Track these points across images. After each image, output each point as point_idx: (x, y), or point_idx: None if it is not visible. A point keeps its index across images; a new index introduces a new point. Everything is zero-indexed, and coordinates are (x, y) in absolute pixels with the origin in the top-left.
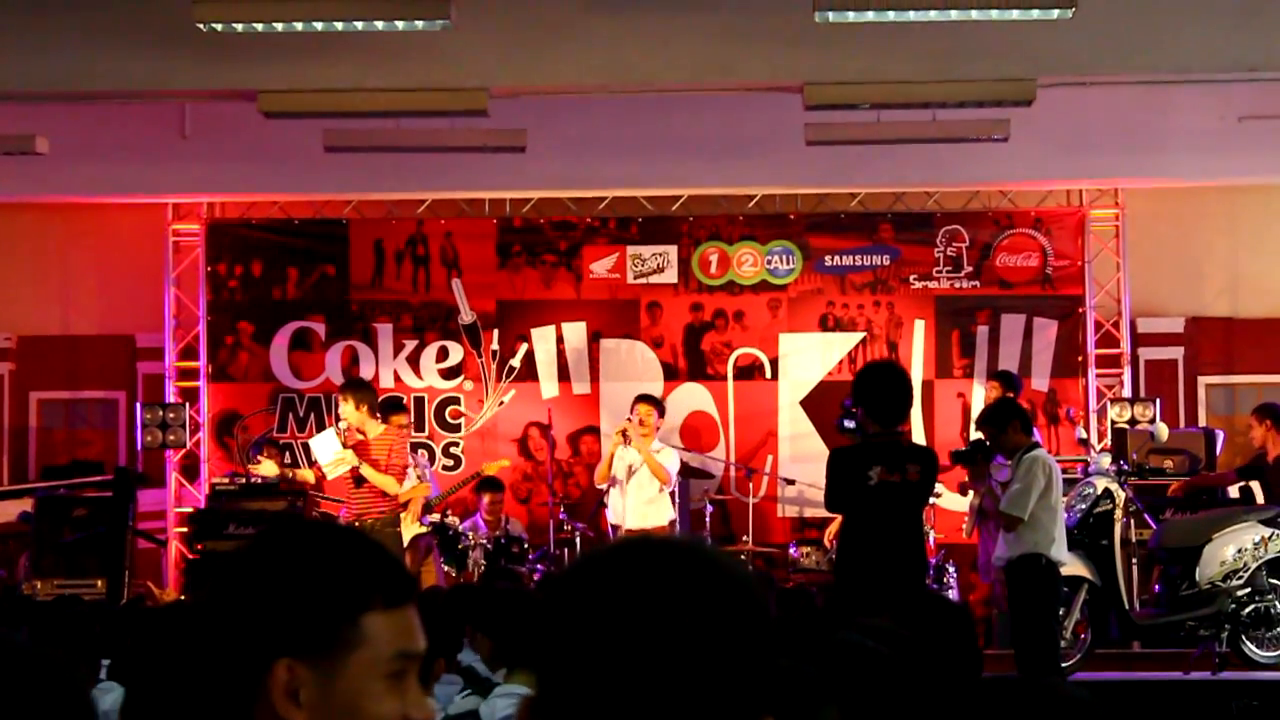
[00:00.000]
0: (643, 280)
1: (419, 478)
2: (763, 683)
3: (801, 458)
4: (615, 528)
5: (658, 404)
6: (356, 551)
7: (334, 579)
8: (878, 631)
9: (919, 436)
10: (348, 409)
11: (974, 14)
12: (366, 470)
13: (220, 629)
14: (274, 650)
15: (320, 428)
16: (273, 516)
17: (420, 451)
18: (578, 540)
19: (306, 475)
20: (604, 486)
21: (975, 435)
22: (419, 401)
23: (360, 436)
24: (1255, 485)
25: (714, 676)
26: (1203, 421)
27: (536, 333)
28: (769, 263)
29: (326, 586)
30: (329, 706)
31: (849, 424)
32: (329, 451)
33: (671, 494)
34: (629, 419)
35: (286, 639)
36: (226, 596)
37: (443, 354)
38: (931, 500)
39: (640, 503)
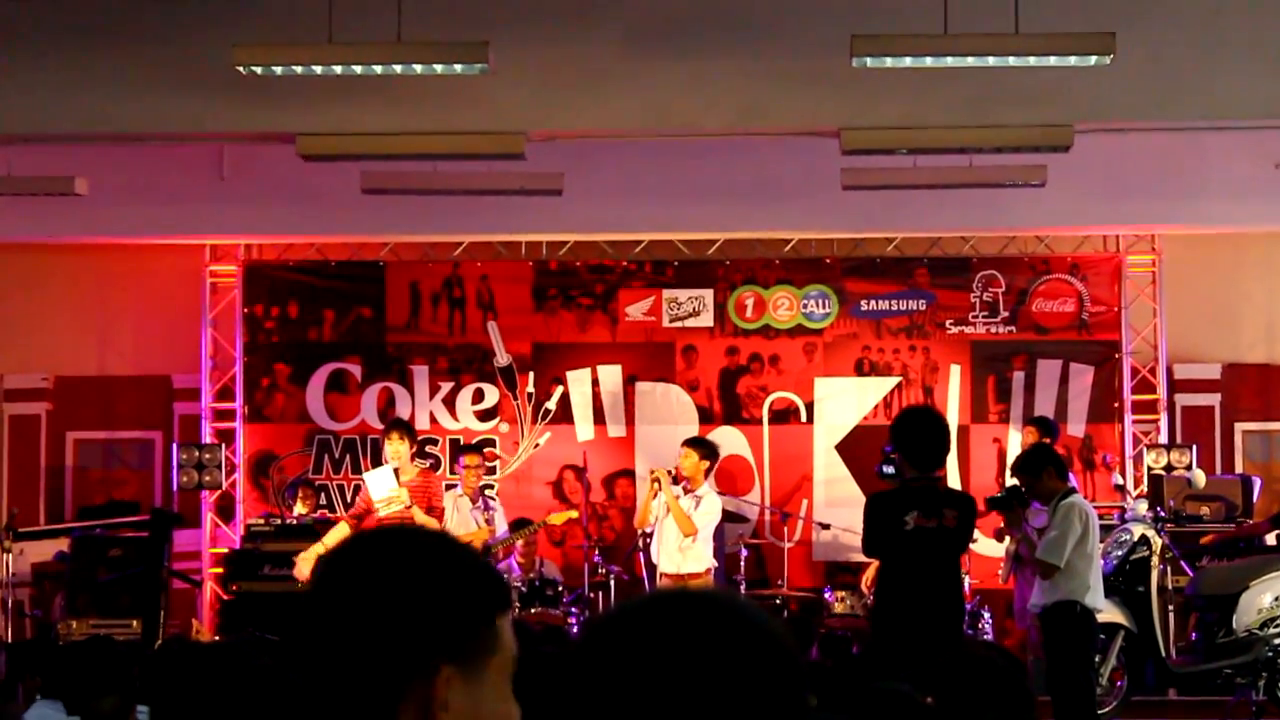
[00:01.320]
0: (678, 323)
1: (488, 521)
2: None
3: (837, 502)
4: (653, 568)
5: (699, 446)
6: (473, 556)
7: (474, 583)
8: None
9: (954, 481)
10: (404, 446)
11: (1011, 60)
12: (416, 513)
13: (371, 638)
14: (434, 656)
15: (356, 470)
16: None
17: (491, 496)
18: (612, 583)
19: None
20: (645, 530)
21: (1011, 481)
22: (454, 444)
23: (405, 478)
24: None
25: None
26: (1239, 468)
27: (572, 375)
28: (805, 307)
29: (471, 590)
30: (474, 710)
31: (888, 469)
32: (384, 487)
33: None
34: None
35: (444, 644)
36: (377, 605)
37: (478, 396)
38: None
39: (672, 549)
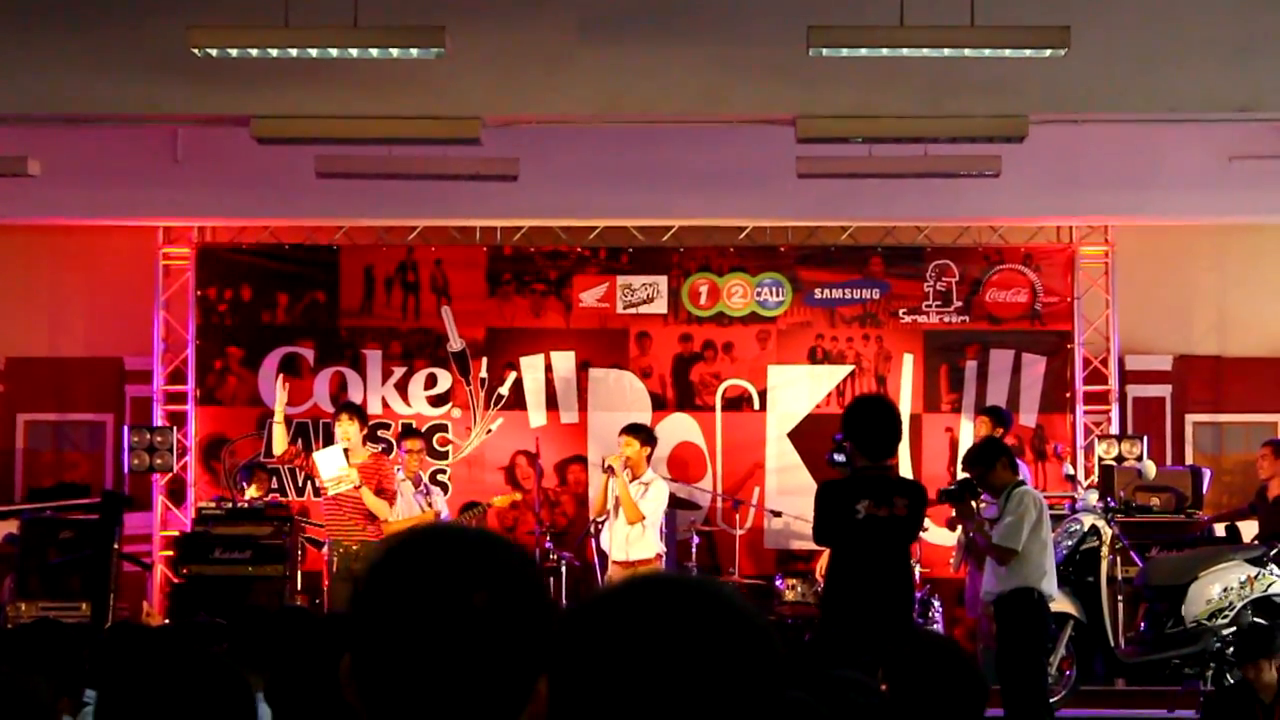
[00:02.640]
0: (632, 310)
1: (429, 505)
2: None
3: (789, 490)
4: (604, 555)
5: (638, 433)
6: None
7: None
8: (853, 684)
9: (906, 470)
10: (354, 428)
11: (967, 51)
12: (365, 493)
13: (512, 643)
14: (541, 666)
15: (308, 453)
16: (263, 541)
17: (432, 483)
18: (564, 569)
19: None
20: (599, 519)
21: (962, 474)
22: (406, 428)
23: (355, 460)
24: (1242, 524)
25: (729, 713)
26: (1190, 459)
27: (525, 361)
28: (759, 294)
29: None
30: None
31: (839, 458)
32: (334, 467)
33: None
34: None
35: (548, 653)
36: (516, 611)
37: (431, 381)
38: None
39: (621, 537)
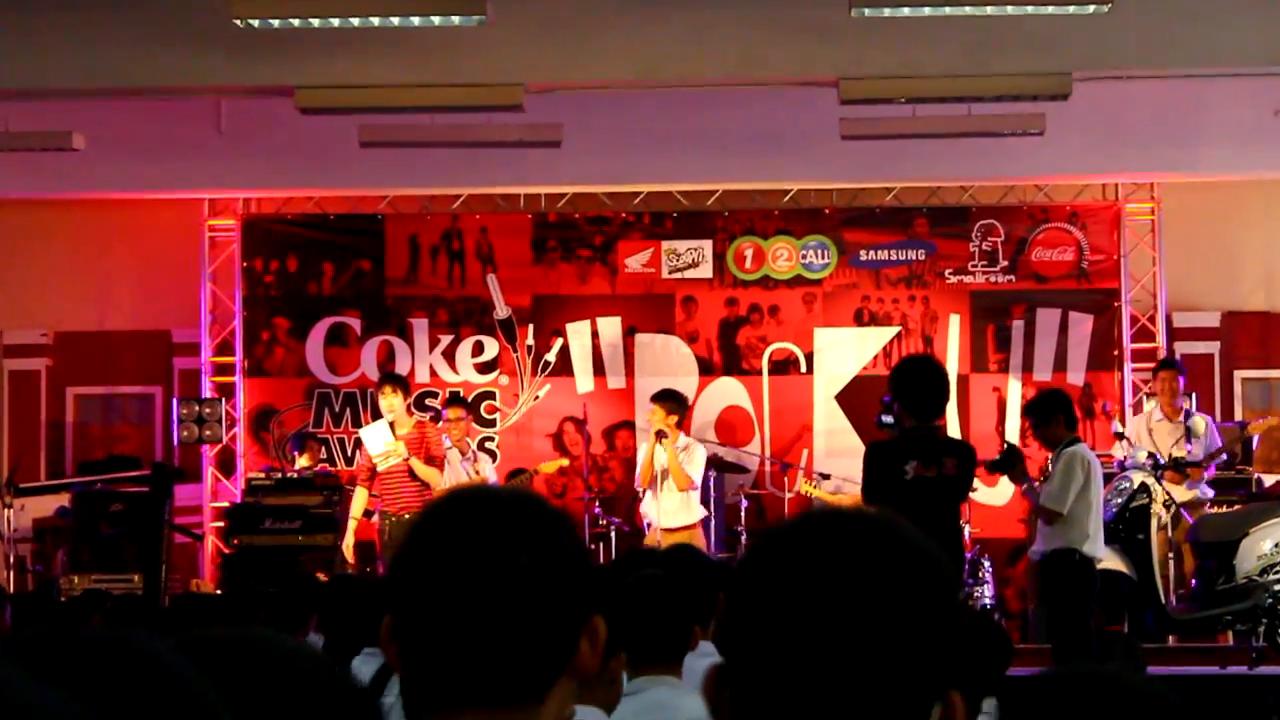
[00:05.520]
0: (678, 275)
1: (477, 472)
2: (955, 656)
3: (836, 452)
4: (649, 525)
5: (665, 401)
6: None
7: None
8: None
9: (954, 430)
10: (396, 400)
11: (1010, 9)
12: (415, 463)
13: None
14: (581, 623)
15: (356, 423)
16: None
17: (480, 451)
18: (613, 534)
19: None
20: (642, 488)
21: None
22: (453, 396)
23: (401, 431)
24: None
25: (915, 648)
26: (1239, 415)
27: (571, 327)
28: (804, 257)
29: None
30: None
31: (887, 419)
32: (380, 443)
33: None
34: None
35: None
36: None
37: (478, 349)
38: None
39: (669, 504)
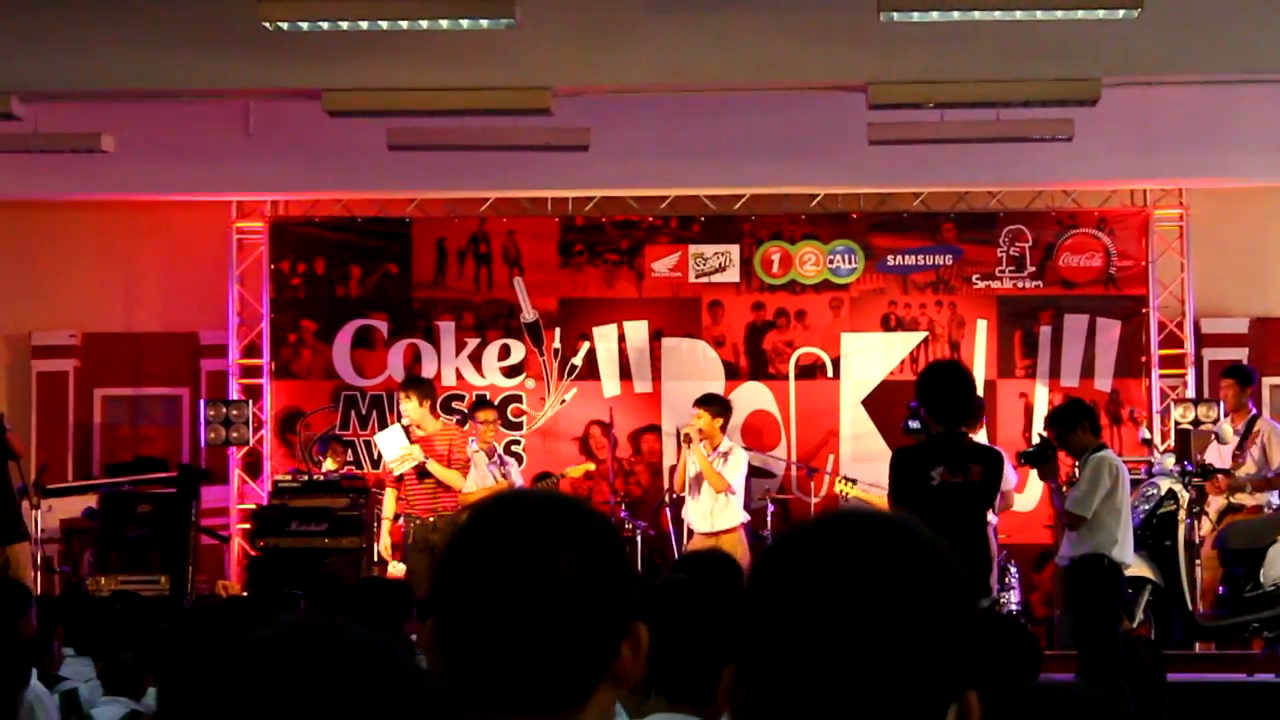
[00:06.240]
0: (704, 279)
1: (504, 476)
2: (968, 656)
3: (863, 457)
4: (680, 524)
5: (710, 405)
6: None
7: None
8: None
9: (981, 436)
10: (410, 405)
11: (1039, 14)
12: (433, 466)
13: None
14: (623, 628)
15: (382, 425)
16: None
17: (506, 454)
18: (639, 539)
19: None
20: (681, 494)
21: (1040, 434)
22: (480, 399)
23: (420, 433)
24: None
25: (931, 648)
26: None
27: (598, 331)
28: (831, 262)
29: None
30: None
31: (914, 424)
32: (395, 447)
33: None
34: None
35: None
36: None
37: (505, 352)
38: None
39: (706, 508)
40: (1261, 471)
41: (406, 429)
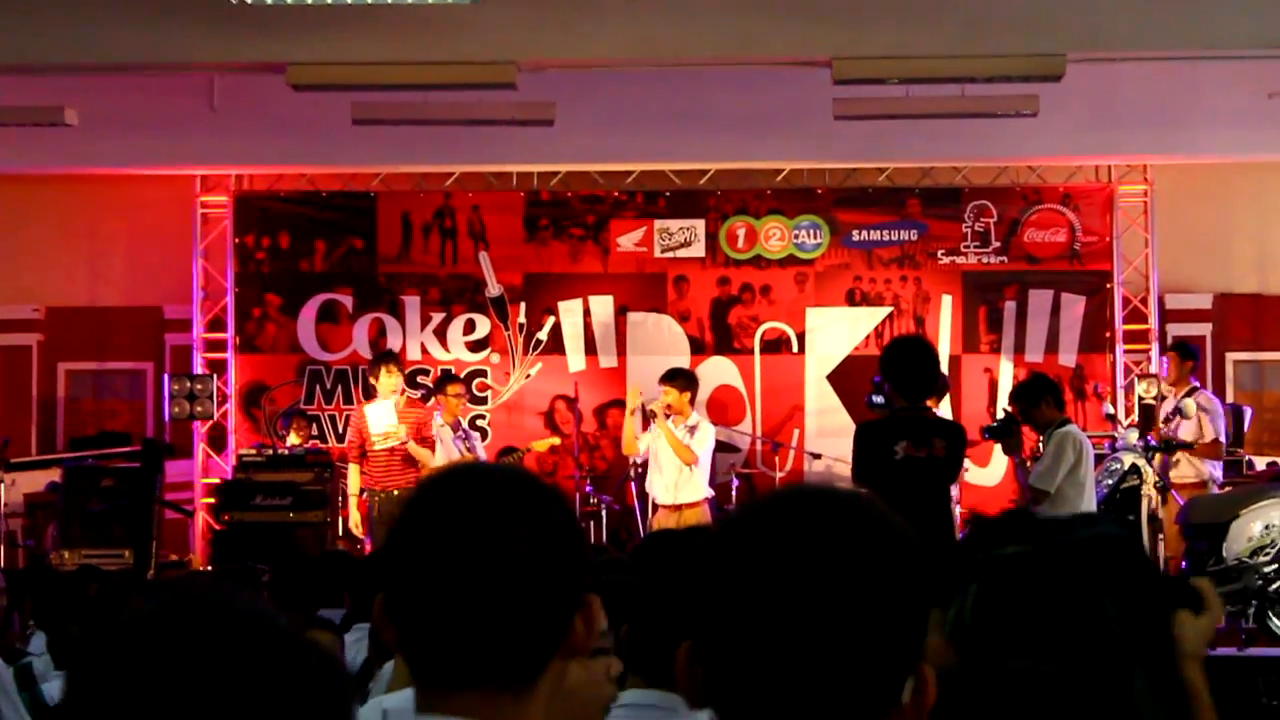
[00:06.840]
0: (670, 254)
1: (468, 450)
2: (923, 632)
3: (828, 432)
4: (644, 498)
5: (675, 379)
6: None
7: None
8: None
9: (945, 411)
10: (396, 380)
11: None
12: (413, 447)
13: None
14: (577, 601)
15: (348, 400)
16: (304, 487)
17: (471, 429)
18: (604, 513)
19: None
20: (636, 459)
21: (1004, 409)
22: (445, 374)
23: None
24: None
25: (887, 624)
26: (1230, 398)
27: (563, 306)
28: (796, 237)
29: None
30: None
31: (878, 399)
32: (382, 423)
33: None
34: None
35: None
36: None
37: (470, 327)
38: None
39: (670, 480)
40: (1206, 437)
41: (394, 406)
